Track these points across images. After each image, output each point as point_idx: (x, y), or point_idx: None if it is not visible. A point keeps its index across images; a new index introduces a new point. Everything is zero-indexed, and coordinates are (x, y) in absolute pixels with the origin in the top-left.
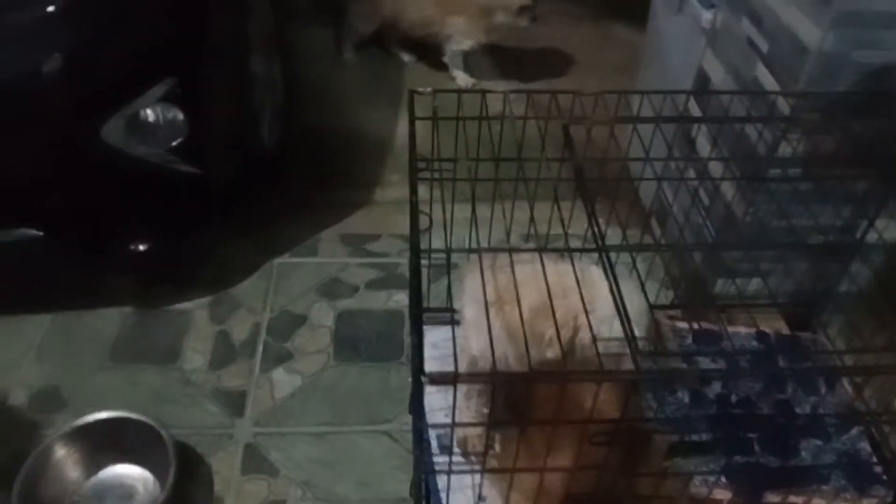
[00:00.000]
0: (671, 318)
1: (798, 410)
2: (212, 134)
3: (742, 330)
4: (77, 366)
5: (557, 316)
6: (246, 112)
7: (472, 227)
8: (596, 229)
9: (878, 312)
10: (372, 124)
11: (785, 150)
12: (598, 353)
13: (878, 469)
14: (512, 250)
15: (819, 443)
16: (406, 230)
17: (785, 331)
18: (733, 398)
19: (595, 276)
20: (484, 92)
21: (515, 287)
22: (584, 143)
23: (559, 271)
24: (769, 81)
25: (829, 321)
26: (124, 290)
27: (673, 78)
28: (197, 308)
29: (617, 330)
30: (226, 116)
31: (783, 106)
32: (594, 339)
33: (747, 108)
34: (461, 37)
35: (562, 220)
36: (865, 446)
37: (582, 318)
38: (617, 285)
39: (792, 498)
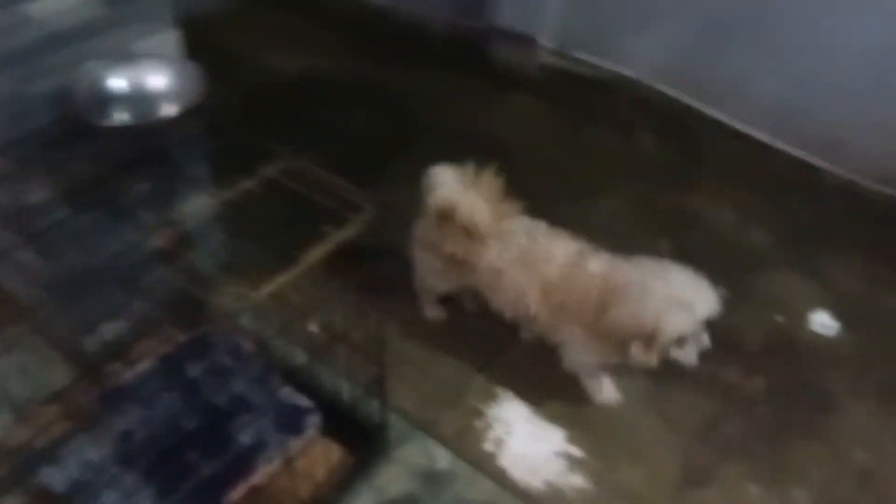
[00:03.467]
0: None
1: (218, 401)
2: None
3: (147, 363)
4: None
5: None
6: None
7: None
8: None
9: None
10: None
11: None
12: None
13: (302, 403)
14: None
15: (248, 415)
16: None
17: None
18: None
19: None
20: None
21: None
22: None
23: None
24: None
25: None
26: None
27: None
28: None
29: None
30: None
31: None
32: None
33: None
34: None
35: None
36: (284, 388)
37: None
38: None
39: (253, 482)
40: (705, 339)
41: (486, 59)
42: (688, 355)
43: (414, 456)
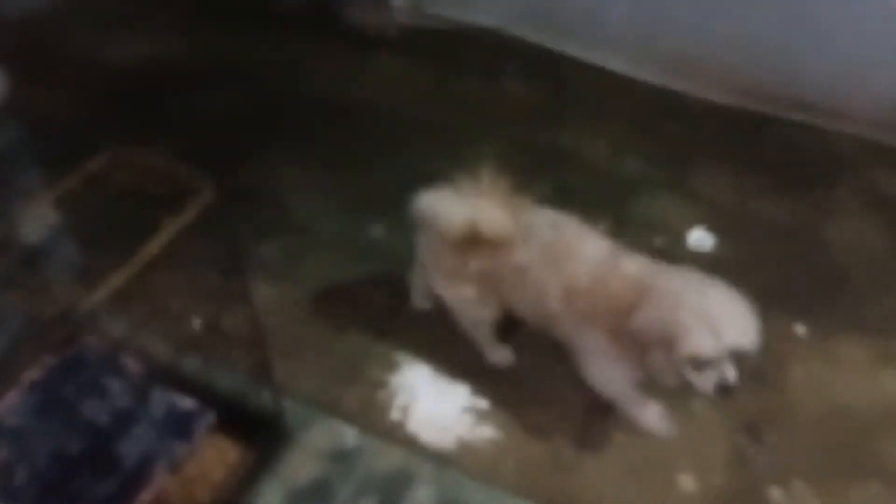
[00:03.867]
0: None
1: (99, 419)
2: None
3: (17, 394)
4: None
5: None
6: None
7: None
8: None
9: None
10: None
11: None
12: None
13: (188, 406)
14: None
15: (133, 429)
16: None
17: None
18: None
19: None
20: None
21: None
22: None
23: None
24: None
25: None
26: None
27: None
28: None
29: None
30: None
31: None
32: None
33: None
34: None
35: None
36: (168, 393)
37: None
38: None
39: (146, 497)
40: (731, 374)
41: (341, 24)
42: (704, 383)
43: (319, 439)
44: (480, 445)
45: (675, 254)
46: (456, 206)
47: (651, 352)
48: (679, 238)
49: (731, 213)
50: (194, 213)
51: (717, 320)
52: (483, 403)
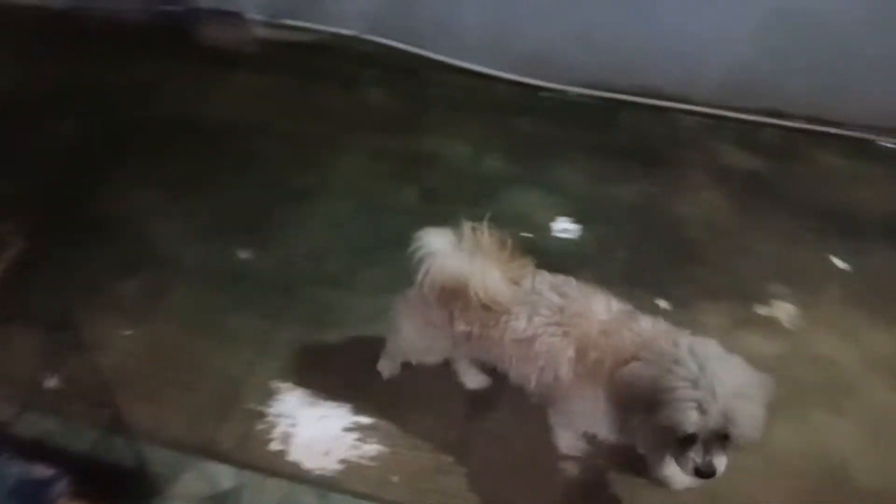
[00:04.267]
0: None
1: None
2: None
3: None
4: None
5: None
6: None
7: None
8: None
9: None
10: None
11: None
12: None
13: (41, 474)
14: None
15: None
16: None
17: None
18: None
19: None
20: None
21: None
22: None
23: None
24: None
25: None
26: None
27: None
28: None
29: None
30: None
31: None
32: None
33: None
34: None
35: None
36: (16, 464)
37: None
38: None
39: None
40: (718, 461)
41: (195, 42)
42: (684, 468)
43: (192, 485)
44: (365, 463)
45: (543, 245)
46: (452, 258)
47: (633, 412)
48: (545, 229)
49: (590, 199)
50: (2, 269)
51: (712, 398)
52: (365, 419)
